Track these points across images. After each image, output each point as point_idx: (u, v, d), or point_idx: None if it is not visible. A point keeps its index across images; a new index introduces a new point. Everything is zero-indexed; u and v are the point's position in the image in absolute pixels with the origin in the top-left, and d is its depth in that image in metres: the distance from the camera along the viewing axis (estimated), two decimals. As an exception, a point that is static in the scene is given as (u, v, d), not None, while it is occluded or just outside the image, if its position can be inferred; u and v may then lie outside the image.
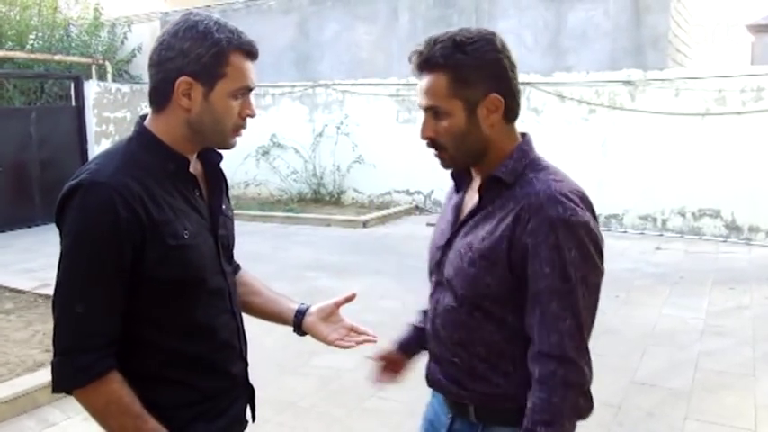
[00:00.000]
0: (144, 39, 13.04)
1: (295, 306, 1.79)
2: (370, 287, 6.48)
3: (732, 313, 5.52)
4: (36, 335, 4.88)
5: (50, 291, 1.43)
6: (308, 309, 1.78)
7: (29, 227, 9.90)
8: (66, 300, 1.36)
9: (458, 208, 1.61)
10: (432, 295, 1.64)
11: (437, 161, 1.57)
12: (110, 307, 1.36)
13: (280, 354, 4.46)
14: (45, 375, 3.97)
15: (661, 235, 8.85)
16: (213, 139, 1.49)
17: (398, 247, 8.38)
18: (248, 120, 1.51)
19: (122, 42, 13.35)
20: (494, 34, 1.47)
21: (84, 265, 1.35)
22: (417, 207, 10.98)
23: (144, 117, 1.50)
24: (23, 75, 11.46)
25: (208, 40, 1.39)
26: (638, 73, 9.02)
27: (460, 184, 1.64)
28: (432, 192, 10.79)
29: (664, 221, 9.00)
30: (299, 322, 1.76)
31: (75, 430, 3.59)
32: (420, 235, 8.98)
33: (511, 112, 1.49)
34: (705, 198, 8.67)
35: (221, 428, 1.55)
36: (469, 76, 1.43)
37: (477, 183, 1.57)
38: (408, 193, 11.09)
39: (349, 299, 1.79)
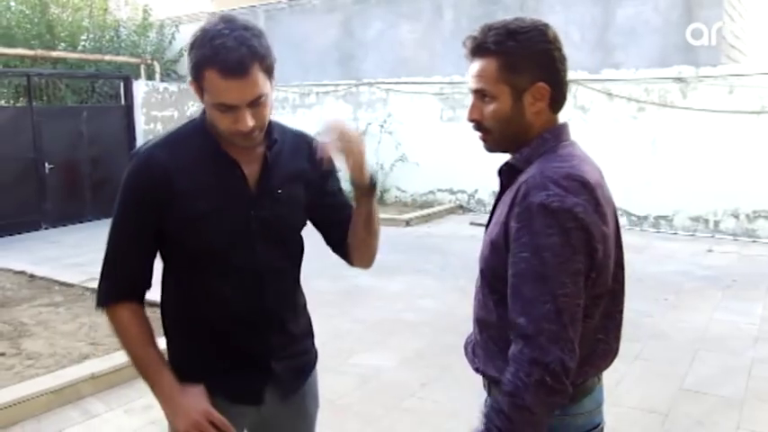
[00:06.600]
0: (191, 39, 13.22)
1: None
2: (411, 286, 6.43)
3: (788, 319, 5.29)
4: (82, 327, 4.98)
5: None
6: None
7: (80, 222, 10.17)
8: (108, 237, 1.62)
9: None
10: None
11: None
12: (125, 253, 1.60)
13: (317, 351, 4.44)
14: (89, 367, 4.05)
15: (713, 237, 8.56)
16: (224, 137, 1.54)
17: (441, 246, 8.31)
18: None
19: (170, 42, 13.58)
20: (547, 25, 1.51)
21: (115, 215, 1.60)
22: (461, 206, 10.89)
23: None
24: (75, 75, 11.76)
25: (192, 52, 1.45)
26: (689, 70, 8.74)
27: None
28: (476, 191, 10.68)
29: (716, 223, 8.70)
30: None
31: (117, 422, 3.66)
32: (463, 234, 8.89)
33: (556, 102, 1.51)
34: (760, 199, 8.34)
35: (234, 398, 1.64)
36: (518, 63, 1.46)
37: None
38: (452, 192, 11.00)
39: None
